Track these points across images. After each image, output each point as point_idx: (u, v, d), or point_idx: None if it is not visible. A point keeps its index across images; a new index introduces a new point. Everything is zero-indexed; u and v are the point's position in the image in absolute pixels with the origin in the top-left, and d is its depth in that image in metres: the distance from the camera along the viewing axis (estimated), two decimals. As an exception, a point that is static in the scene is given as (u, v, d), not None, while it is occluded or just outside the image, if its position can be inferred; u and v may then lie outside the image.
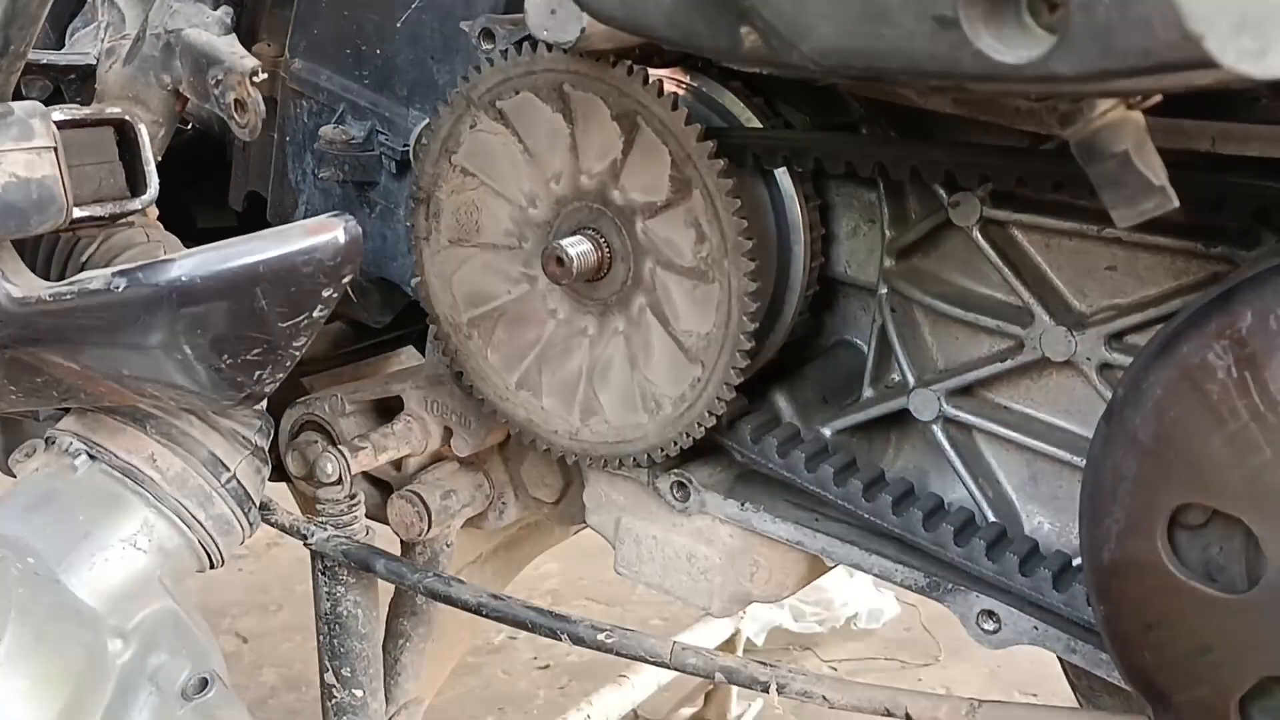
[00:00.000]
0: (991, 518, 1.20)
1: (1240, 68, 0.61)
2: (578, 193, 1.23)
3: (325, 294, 1.05)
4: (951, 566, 1.17)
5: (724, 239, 1.14)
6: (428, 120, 1.34)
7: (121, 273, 1.05)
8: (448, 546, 1.58)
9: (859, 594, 3.25)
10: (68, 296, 1.06)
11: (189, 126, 1.64)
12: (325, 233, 1.03)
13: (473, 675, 3.02)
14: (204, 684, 1.18)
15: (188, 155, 1.44)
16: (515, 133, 1.22)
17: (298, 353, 1.10)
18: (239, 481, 1.33)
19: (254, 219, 1.64)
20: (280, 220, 1.57)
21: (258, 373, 1.11)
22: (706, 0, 0.82)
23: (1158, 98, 0.80)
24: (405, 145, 1.39)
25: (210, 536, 1.31)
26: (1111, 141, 0.78)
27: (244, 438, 1.35)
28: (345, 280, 1.05)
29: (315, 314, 1.06)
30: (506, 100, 1.21)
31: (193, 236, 1.43)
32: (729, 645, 2.71)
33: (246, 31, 1.52)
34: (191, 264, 1.04)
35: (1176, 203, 0.78)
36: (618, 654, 1.27)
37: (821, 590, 3.17)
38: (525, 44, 1.21)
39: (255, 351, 1.08)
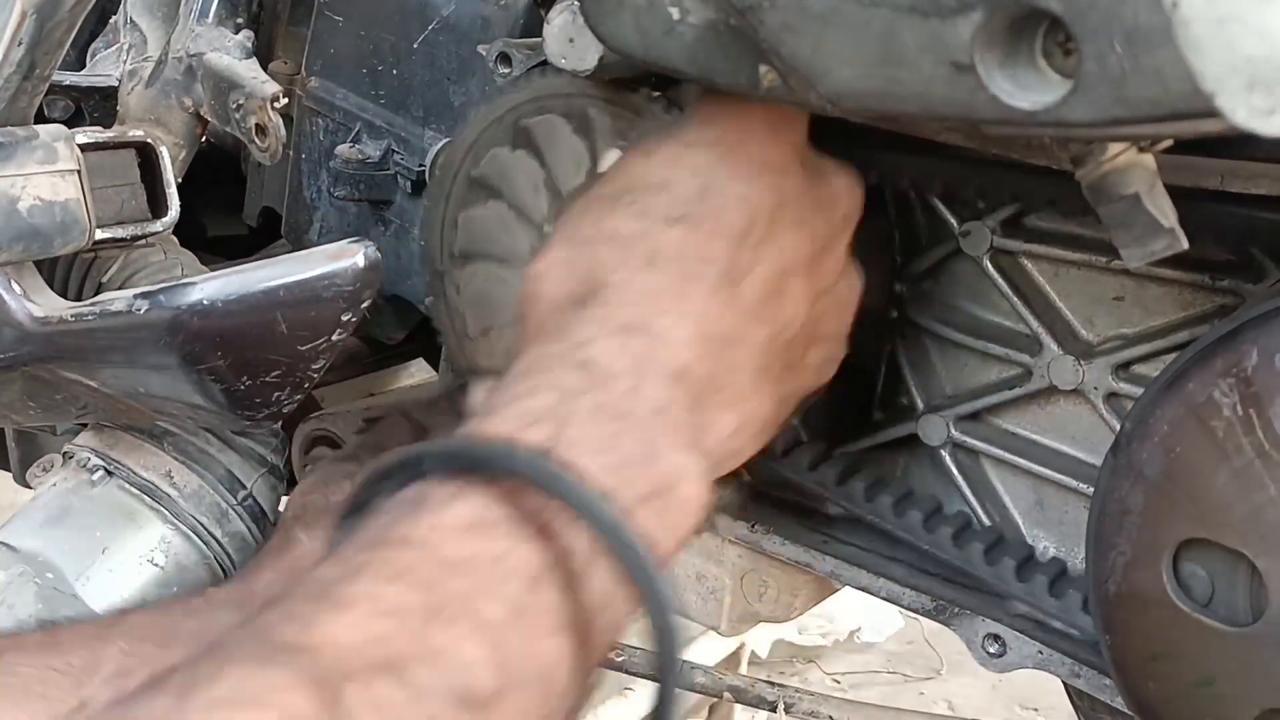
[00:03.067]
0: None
1: (1251, 125, 0.63)
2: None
3: (345, 318, 1.06)
4: (959, 589, 1.18)
5: None
6: (444, 141, 1.36)
7: (143, 294, 1.06)
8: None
9: (863, 607, 3.26)
10: (89, 317, 1.07)
11: (203, 139, 1.65)
12: (346, 258, 1.04)
13: (478, 685, 3.02)
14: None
15: (200, 164, 1.45)
16: (497, 193, 1.24)
17: (316, 374, 1.12)
18: (255, 499, 1.34)
19: (265, 229, 1.65)
20: (294, 237, 1.58)
21: (276, 394, 1.12)
22: (727, 39, 0.84)
23: (1169, 141, 0.81)
24: (421, 165, 1.40)
25: (226, 553, 1.32)
26: (1122, 184, 0.80)
27: (260, 456, 1.36)
28: (365, 305, 1.06)
29: (334, 337, 1.07)
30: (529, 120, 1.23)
31: (203, 245, 1.45)
32: (734, 658, 2.73)
33: (261, 49, 1.53)
34: (213, 287, 1.05)
35: (1186, 244, 0.79)
36: (626, 672, 1.28)
37: (825, 604, 3.17)
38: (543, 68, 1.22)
39: (274, 373, 1.09)
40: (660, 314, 0.89)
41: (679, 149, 0.97)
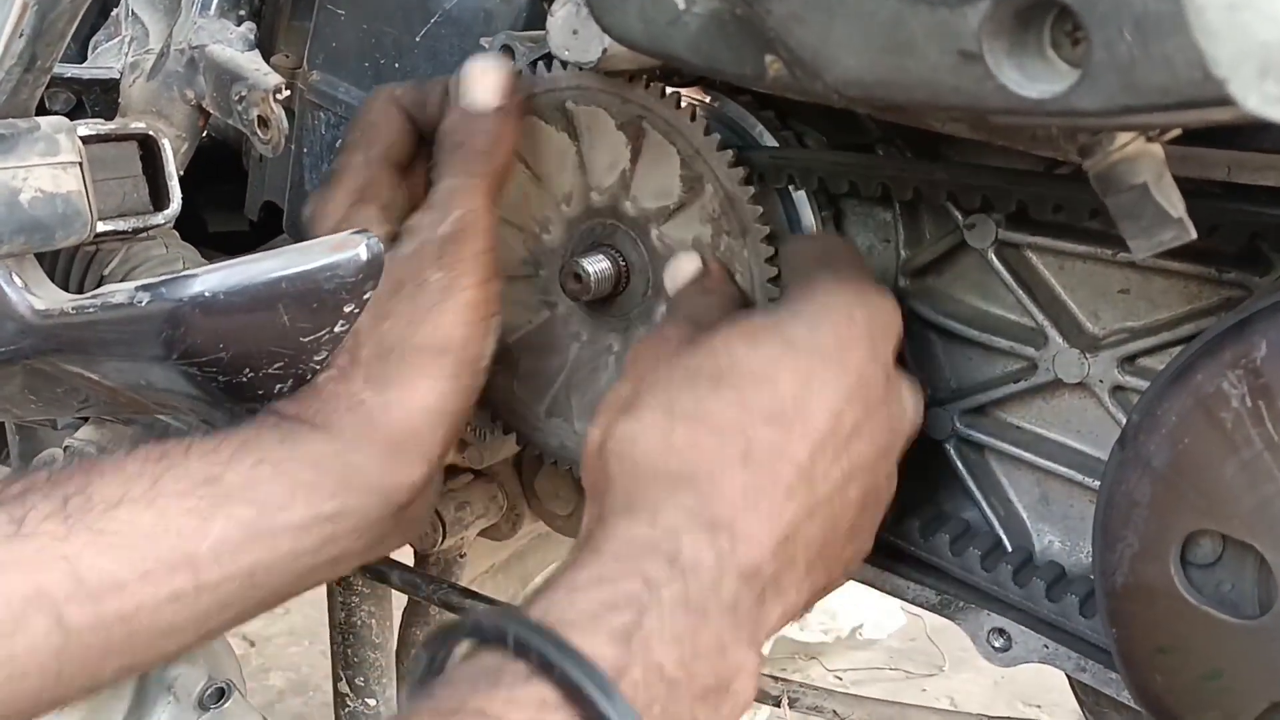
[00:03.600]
0: (1003, 536, 1.20)
1: (1263, 112, 0.62)
2: (589, 211, 1.24)
3: (347, 310, 1.06)
4: (963, 584, 1.18)
5: (743, 228, 1.15)
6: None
7: (144, 287, 1.05)
8: (461, 557, 1.59)
9: (865, 604, 3.26)
10: (90, 309, 1.07)
11: (204, 133, 1.65)
12: (348, 249, 1.04)
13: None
14: (221, 694, 1.19)
15: (201, 160, 1.45)
16: (522, 159, 1.24)
17: (318, 366, 1.11)
18: (256, 493, 1.34)
19: (266, 225, 1.65)
20: (296, 231, 1.58)
21: (278, 386, 1.12)
22: (732, 29, 0.83)
23: (1177, 131, 0.81)
24: (423, 159, 1.40)
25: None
26: (1130, 174, 0.79)
27: (262, 450, 1.36)
28: (367, 297, 1.05)
29: (337, 329, 1.07)
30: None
31: (204, 241, 1.44)
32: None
33: (263, 43, 1.52)
34: (214, 279, 1.04)
35: (1194, 234, 0.79)
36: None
37: (827, 600, 3.17)
38: (538, 64, 1.22)
39: (276, 365, 1.09)
40: (744, 512, 0.94)
41: (783, 348, 1.01)
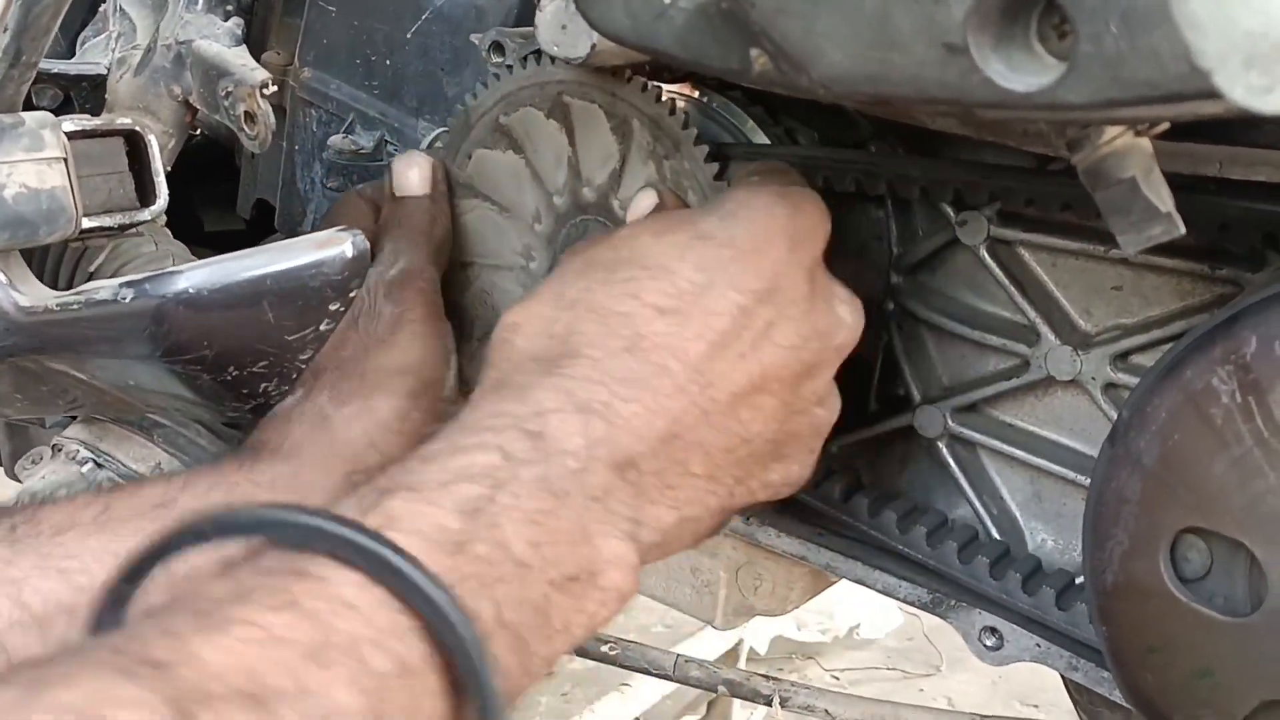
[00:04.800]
0: (995, 534, 1.20)
1: (1248, 103, 0.62)
2: (578, 207, 1.23)
3: (332, 307, 1.05)
4: (954, 583, 1.17)
5: (675, 143, 1.15)
6: (437, 131, 1.35)
7: (129, 283, 1.05)
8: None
9: (862, 604, 3.26)
10: (75, 306, 1.06)
11: (198, 132, 1.64)
12: (333, 247, 1.03)
13: (474, 680, 3.02)
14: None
15: (196, 159, 1.45)
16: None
17: (304, 365, 1.11)
18: (245, 491, 1.33)
19: (262, 224, 1.65)
20: (288, 229, 1.58)
21: (263, 385, 1.11)
22: (718, 23, 0.83)
23: (1165, 125, 0.80)
24: (414, 156, 1.39)
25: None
26: (1119, 168, 0.79)
27: (249, 446, 1.35)
28: (352, 295, 1.05)
29: (322, 327, 1.07)
30: (509, 116, 1.22)
31: (200, 240, 1.44)
32: (732, 654, 2.72)
33: (255, 40, 1.52)
34: (199, 276, 1.04)
35: (1183, 229, 0.78)
36: (621, 666, 1.27)
37: (824, 599, 3.17)
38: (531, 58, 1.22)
39: (261, 364, 1.08)
40: (624, 402, 0.89)
41: (691, 238, 0.96)
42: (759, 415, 0.97)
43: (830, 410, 1.04)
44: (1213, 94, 0.63)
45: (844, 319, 1.03)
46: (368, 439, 1.10)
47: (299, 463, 1.08)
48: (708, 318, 0.93)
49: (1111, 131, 0.79)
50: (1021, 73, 0.71)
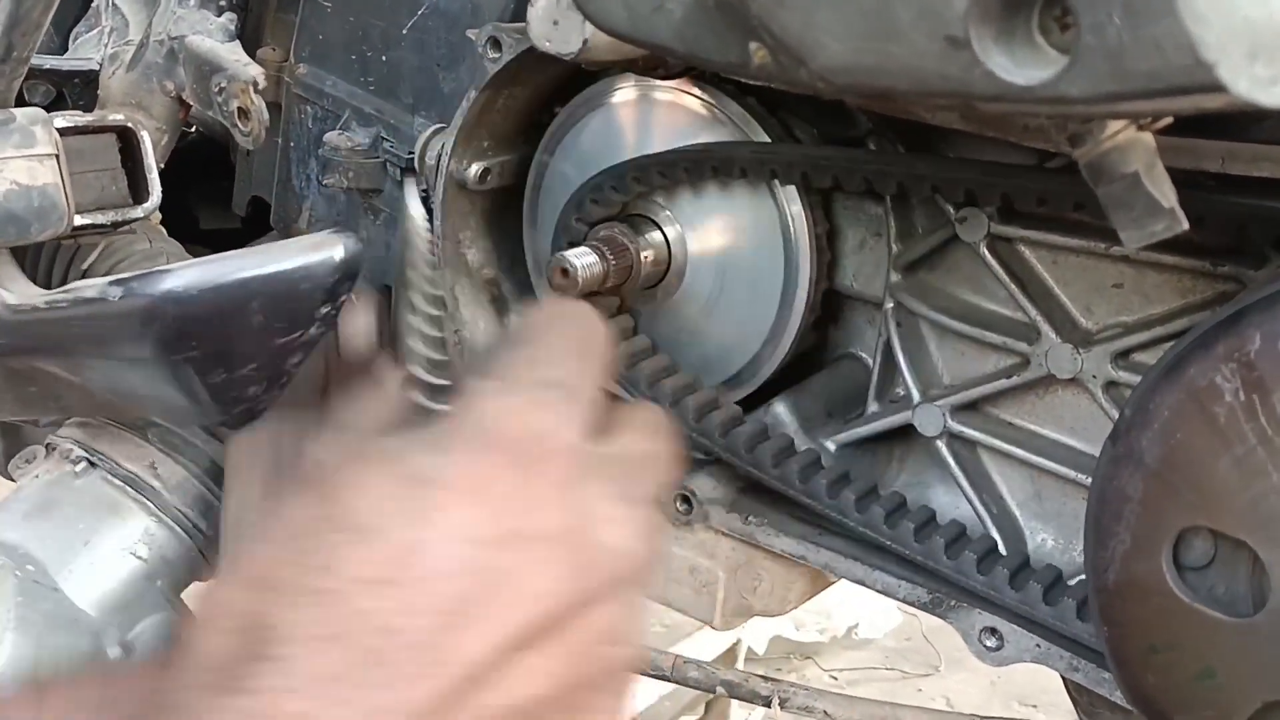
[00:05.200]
0: (995, 534, 1.19)
1: (1252, 95, 0.61)
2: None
3: (322, 311, 1.03)
4: (954, 583, 1.16)
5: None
6: (433, 128, 1.34)
7: (117, 282, 1.03)
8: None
9: (860, 604, 3.25)
10: (63, 305, 1.05)
11: (193, 129, 1.64)
12: (324, 249, 1.01)
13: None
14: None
15: (192, 157, 1.44)
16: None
17: (294, 369, 1.09)
18: (241, 491, 1.32)
19: (258, 222, 1.64)
20: (284, 226, 1.57)
21: (252, 388, 1.09)
22: (716, 15, 0.82)
23: (1168, 119, 0.79)
24: (410, 152, 1.38)
25: (211, 545, 1.31)
26: (1121, 163, 0.78)
27: (246, 447, 1.35)
28: (342, 298, 1.03)
29: (312, 331, 1.05)
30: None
31: (197, 238, 1.43)
32: (730, 654, 2.72)
33: (250, 36, 1.51)
34: (188, 276, 1.02)
35: (1185, 225, 0.77)
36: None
37: (822, 599, 3.17)
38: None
39: (250, 367, 1.06)
40: (330, 708, 0.68)
41: (398, 484, 0.73)
42: (530, 679, 0.74)
43: (629, 645, 0.80)
44: (1216, 87, 0.62)
45: (615, 546, 0.77)
46: None
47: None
48: (429, 583, 0.71)
49: (1114, 126, 0.78)
50: (1023, 66, 0.70)
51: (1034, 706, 2.79)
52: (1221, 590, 0.90)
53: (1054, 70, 0.69)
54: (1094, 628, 1.00)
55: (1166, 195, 0.78)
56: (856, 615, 3.22)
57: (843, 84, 0.78)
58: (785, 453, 1.22)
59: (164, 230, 1.33)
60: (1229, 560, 0.89)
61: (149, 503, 1.28)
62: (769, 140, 1.22)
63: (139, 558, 1.26)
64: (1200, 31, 0.60)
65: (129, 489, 1.28)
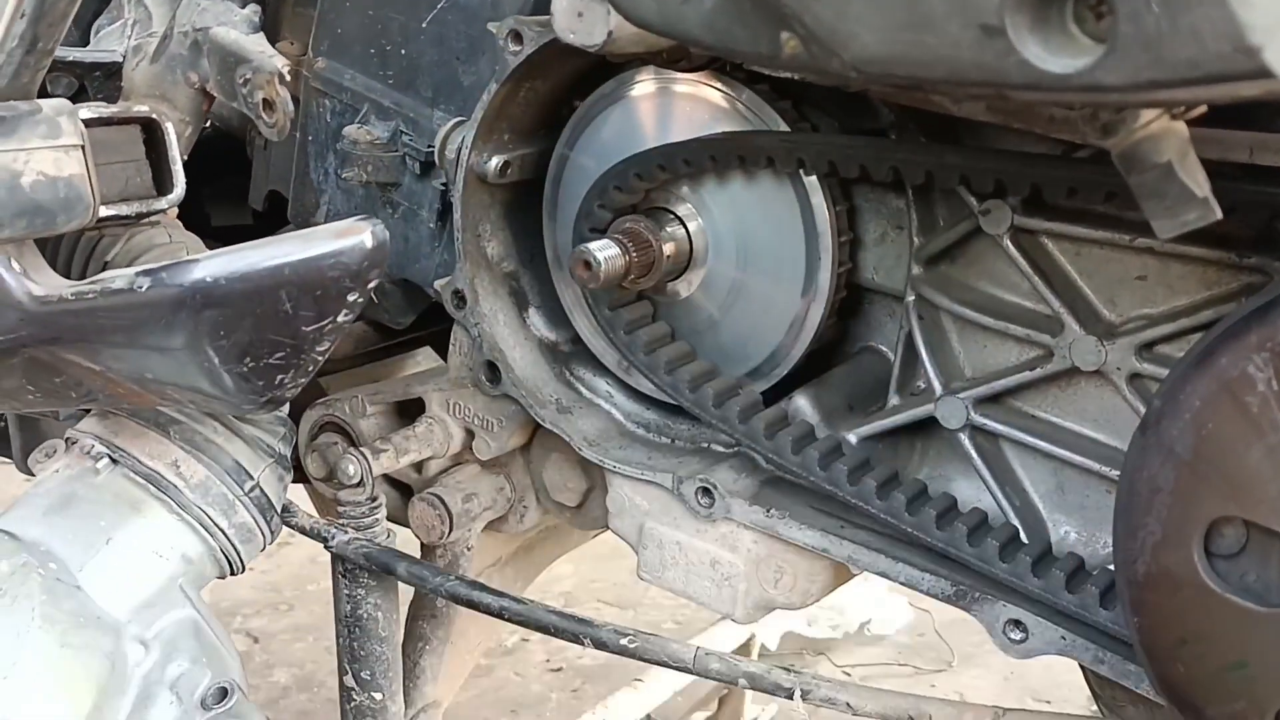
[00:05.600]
0: (1018, 526, 1.19)
1: (1298, 81, 0.61)
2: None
3: (350, 298, 1.03)
4: (979, 575, 1.16)
5: None
6: (453, 121, 1.34)
7: (145, 272, 1.04)
8: (468, 550, 1.57)
9: (873, 599, 3.25)
10: (90, 295, 1.05)
11: (208, 124, 1.64)
12: (352, 236, 1.02)
13: (485, 677, 3.02)
14: (224, 693, 1.17)
15: (204, 153, 1.44)
16: None
17: (321, 357, 1.09)
18: (262, 490, 1.32)
19: (271, 218, 1.64)
20: (301, 220, 1.57)
21: (280, 376, 1.09)
22: (747, 6, 0.82)
23: (1203, 108, 0.79)
24: (430, 146, 1.39)
25: (232, 544, 1.31)
26: (1154, 152, 0.78)
27: (267, 445, 1.34)
28: (371, 285, 1.03)
29: (340, 318, 1.05)
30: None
31: (208, 234, 1.43)
32: (744, 650, 2.71)
33: (269, 30, 1.51)
34: (216, 265, 1.03)
35: (1219, 214, 0.77)
36: (640, 659, 1.26)
37: (835, 595, 3.16)
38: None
39: (278, 355, 1.06)
40: None
41: None
42: None
43: None
44: (1257, 74, 0.62)
45: None
46: None
47: None
48: None
49: (1147, 115, 0.78)
50: (1059, 54, 0.70)
51: (1048, 701, 2.78)
52: (1253, 580, 0.89)
53: (1090, 59, 0.69)
54: (1123, 619, 1.00)
55: (1200, 184, 0.78)
56: (869, 611, 3.21)
57: (876, 74, 0.77)
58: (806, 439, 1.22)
59: (181, 224, 1.33)
60: (1261, 550, 0.89)
61: (171, 501, 1.28)
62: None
63: (160, 556, 1.26)
64: (1246, 14, 0.60)
65: (151, 486, 1.28)
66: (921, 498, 1.18)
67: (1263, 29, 0.60)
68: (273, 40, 1.50)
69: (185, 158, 1.23)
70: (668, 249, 1.25)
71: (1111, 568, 1.12)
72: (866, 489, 1.18)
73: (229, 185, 1.70)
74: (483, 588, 1.35)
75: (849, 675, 3.12)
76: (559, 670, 3.09)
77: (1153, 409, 0.91)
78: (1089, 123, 0.84)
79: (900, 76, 0.77)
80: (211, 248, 1.30)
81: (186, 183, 1.23)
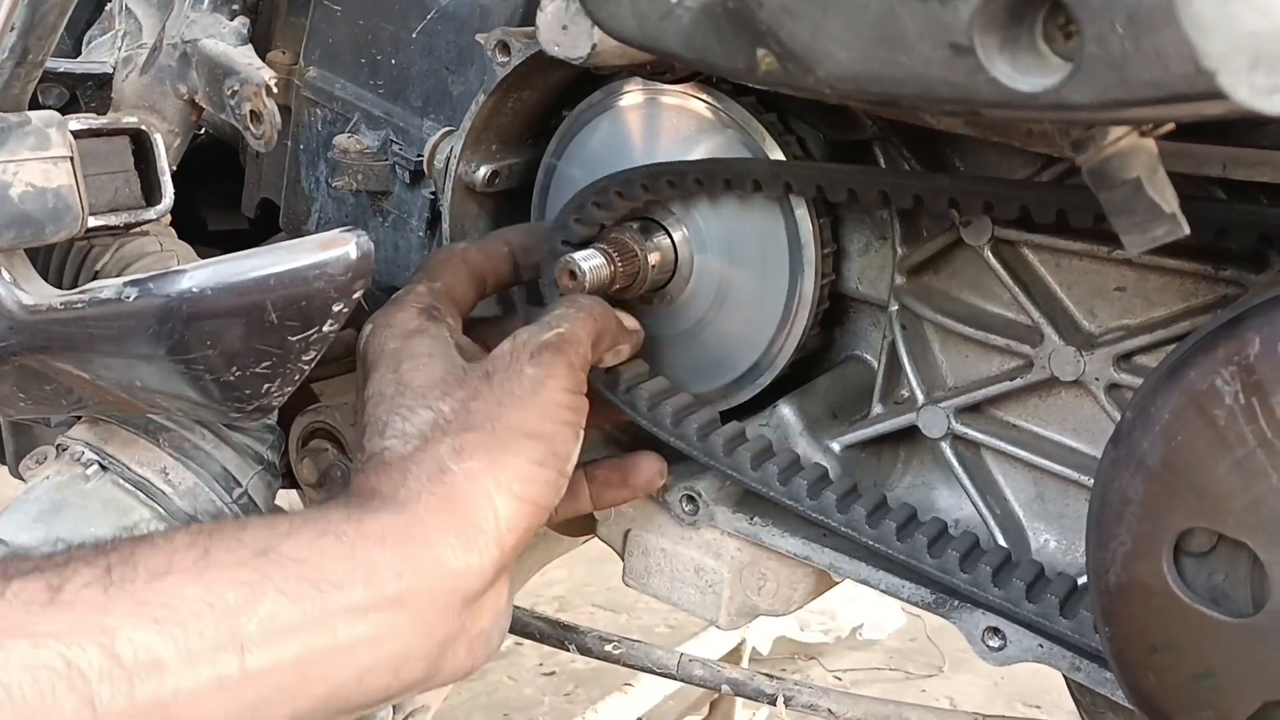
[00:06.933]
0: (999, 535, 1.20)
1: (1253, 104, 0.62)
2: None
3: (336, 308, 1.04)
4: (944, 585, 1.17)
5: None
6: (442, 131, 1.35)
7: (133, 282, 1.04)
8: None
9: (864, 604, 3.26)
10: (79, 305, 1.06)
11: (203, 131, 1.64)
12: (337, 247, 1.03)
13: (478, 681, 3.03)
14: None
15: (200, 159, 1.45)
16: None
17: (307, 366, 1.10)
18: (250, 497, 1.33)
19: (265, 224, 1.65)
20: (292, 228, 1.58)
21: (266, 385, 1.10)
22: (724, 22, 0.83)
23: (1171, 126, 0.80)
24: (419, 155, 1.40)
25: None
26: (1123, 168, 0.79)
27: (256, 453, 1.35)
28: (356, 295, 1.04)
29: (326, 328, 1.06)
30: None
31: (204, 240, 1.44)
32: (735, 655, 2.72)
33: (260, 39, 1.52)
34: (203, 275, 1.03)
35: (1187, 230, 0.78)
36: (625, 665, 1.27)
37: (827, 600, 3.17)
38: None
39: (265, 364, 1.07)
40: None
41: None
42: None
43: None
44: (1217, 95, 0.63)
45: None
46: (487, 501, 1.05)
47: (412, 517, 1.03)
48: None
49: (1116, 132, 0.79)
50: (1027, 73, 0.71)
51: (1037, 707, 2.80)
52: (1221, 591, 0.90)
53: (1057, 78, 0.70)
54: (1089, 628, 1.02)
55: (1168, 200, 0.79)
56: (861, 616, 3.22)
57: (849, 91, 0.79)
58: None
59: (174, 232, 1.34)
60: (1229, 561, 0.90)
61: (160, 508, 1.29)
62: (778, 146, 1.23)
63: (149, 562, 1.26)
64: (1201, 40, 0.61)
65: (139, 493, 1.29)
66: (882, 509, 1.19)
67: (1216, 55, 0.61)
68: (265, 50, 1.51)
69: (174, 168, 1.24)
70: (653, 259, 1.26)
71: (1075, 576, 1.14)
72: (826, 502, 1.19)
73: (224, 191, 1.71)
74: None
75: (840, 680, 3.13)
76: (551, 674, 3.10)
77: (1124, 421, 0.92)
78: (1064, 137, 0.85)
79: (874, 94, 0.78)
80: (207, 253, 1.31)
81: (183, 188, 1.24)
